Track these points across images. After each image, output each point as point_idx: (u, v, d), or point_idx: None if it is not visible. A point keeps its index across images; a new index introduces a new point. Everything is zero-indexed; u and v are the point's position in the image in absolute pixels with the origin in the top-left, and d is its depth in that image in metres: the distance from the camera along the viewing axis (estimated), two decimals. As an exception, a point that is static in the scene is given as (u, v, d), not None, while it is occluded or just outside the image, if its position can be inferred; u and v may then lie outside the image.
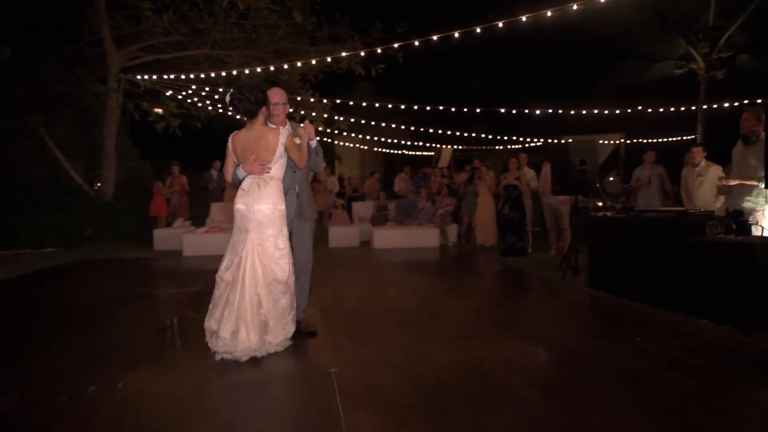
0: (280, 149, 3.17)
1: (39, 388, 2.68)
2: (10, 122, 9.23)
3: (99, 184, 10.17)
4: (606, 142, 15.46)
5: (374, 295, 5.11)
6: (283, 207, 3.22)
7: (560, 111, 13.22)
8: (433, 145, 17.87)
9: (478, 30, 7.77)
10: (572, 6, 7.07)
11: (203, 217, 10.09)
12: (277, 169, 3.21)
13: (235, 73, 10.65)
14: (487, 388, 2.58)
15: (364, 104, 13.30)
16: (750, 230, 4.21)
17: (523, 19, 7.38)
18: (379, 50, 9.37)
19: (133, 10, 9.86)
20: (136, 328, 3.90)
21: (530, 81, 20.91)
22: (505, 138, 16.03)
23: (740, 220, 4.21)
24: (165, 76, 10.01)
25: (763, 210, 4.29)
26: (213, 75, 10.53)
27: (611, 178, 11.89)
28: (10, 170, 9.28)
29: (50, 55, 9.20)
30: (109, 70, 9.66)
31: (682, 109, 12.68)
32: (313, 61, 10.18)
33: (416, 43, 8.58)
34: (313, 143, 3.50)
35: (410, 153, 20.64)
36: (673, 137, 17.02)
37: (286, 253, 3.19)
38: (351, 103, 12.04)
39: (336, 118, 13.41)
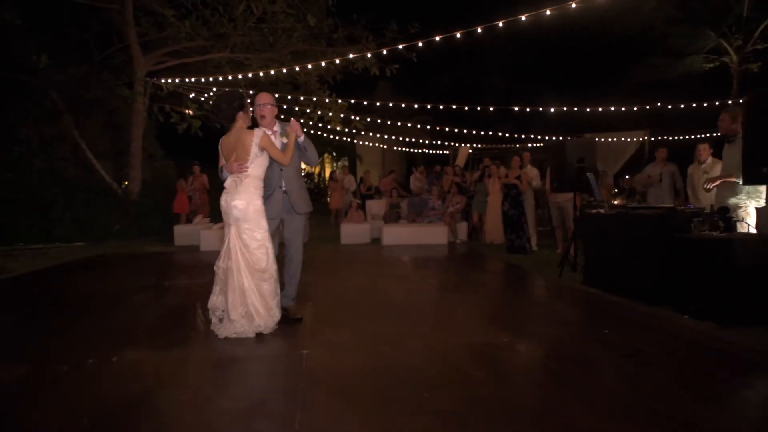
0: (255, 149, 3.43)
1: (47, 359, 3.03)
2: (46, 125, 9.93)
3: (126, 183, 10.78)
4: (629, 139, 15.15)
5: (369, 287, 5.33)
6: (258, 203, 3.48)
7: (580, 109, 13.03)
8: (452, 144, 17.91)
9: (500, 24, 7.64)
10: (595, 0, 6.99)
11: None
12: (254, 168, 3.47)
13: (251, 74, 11.08)
14: (441, 370, 2.75)
15: (378, 104, 13.50)
16: (735, 227, 4.21)
17: (547, 12, 7.24)
18: (384, 52, 9.56)
19: (158, 17, 10.40)
20: (140, 313, 4.26)
21: (552, 78, 20.66)
22: (523, 136, 15.90)
23: (726, 216, 4.23)
24: (187, 80, 10.51)
25: (745, 207, 4.27)
26: (231, 78, 10.97)
27: (627, 176, 11.68)
28: (47, 170, 9.98)
29: (81, 62, 9.83)
30: (135, 74, 10.22)
31: (716, 104, 12.27)
32: (323, 63, 10.43)
33: (436, 39, 8.42)
34: (301, 139, 3.72)
35: (430, 152, 20.74)
36: (700, 134, 16.50)
37: (264, 245, 3.45)
38: (365, 103, 12.27)
39: (352, 117, 13.69)
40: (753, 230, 4.13)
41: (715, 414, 2.19)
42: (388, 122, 15.68)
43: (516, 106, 13.91)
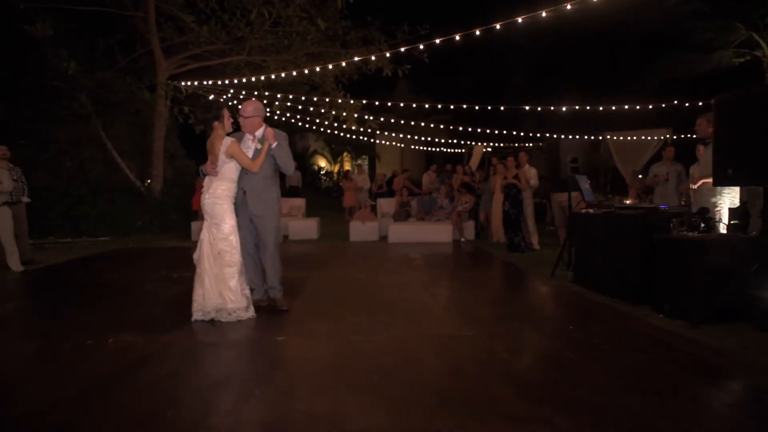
0: (222, 156, 3.75)
1: (54, 339, 3.42)
2: (76, 127, 10.60)
3: (149, 181, 11.38)
4: (650, 137, 14.87)
5: (362, 282, 5.57)
6: (223, 201, 3.83)
7: (600, 107, 12.88)
8: (469, 143, 17.94)
9: (519, 20, 7.51)
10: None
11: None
12: (225, 171, 3.81)
13: (269, 76, 11.48)
14: (397, 359, 2.97)
15: (390, 104, 13.70)
16: (715, 227, 4.24)
17: (568, 6, 7.10)
18: (387, 54, 9.82)
19: (179, 22, 10.92)
20: (144, 301, 4.64)
21: (573, 76, 20.34)
22: (538, 135, 15.81)
23: (706, 217, 4.26)
24: (205, 82, 10.99)
25: (722, 207, 4.31)
26: (249, 80, 11.40)
27: (640, 176, 11.50)
28: (76, 168, 10.66)
29: (108, 67, 10.45)
30: (157, 77, 10.77)
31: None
32: (330, 66, 10.73)
33: (457, 37, 8.34)
34: (273, 145, 3.94)
35: (448, 151, 20.81)
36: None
37: (228, 238, 3.80)
38: (377, 102, 12.48)
39: (366, 117, 13.95)
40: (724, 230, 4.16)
41: (654, 412, 2.32)
42: (405, 122, 15.88)
43: (537, 105, 13.87)
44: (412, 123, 14.88)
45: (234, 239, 3.83)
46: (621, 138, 14.77)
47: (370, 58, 10.98)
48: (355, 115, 13.60)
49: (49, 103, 10.15)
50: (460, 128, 15.50)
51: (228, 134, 3.93)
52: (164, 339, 3.39)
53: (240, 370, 2.86)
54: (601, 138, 14.34)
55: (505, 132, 16.19)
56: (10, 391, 2.58)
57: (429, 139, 19.64)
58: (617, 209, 5.07)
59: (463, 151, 17.46)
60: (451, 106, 14.15)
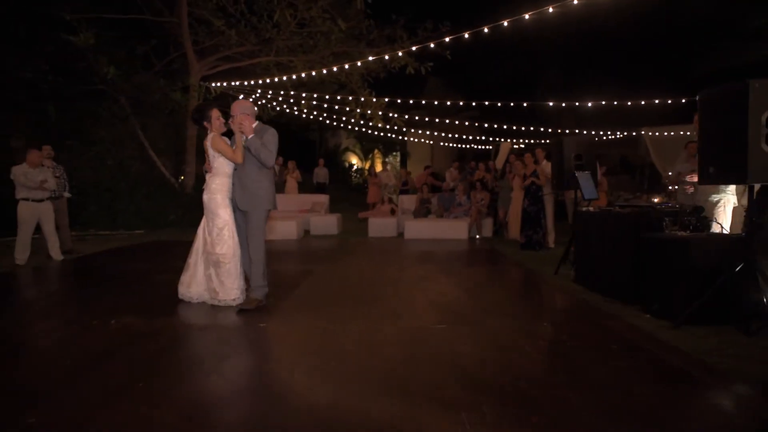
0: (210, 151, 4.02)
1: (67, 319, 3.83)
2: (116, 127, 11.41)
3: (183, 178, 12.06)
4: (688, 133, 14.19)
5: (361, 276, 5.77)
6: (218, 197, 4.09)
7: (634, 102, 12.44)
8: (498, 139, 17.72)
9: (551, 9, 7.26)
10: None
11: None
12: (217, 166, 4.07)
13: (296, 76, 11.86)
14: (361, 347, 3.15)
15: (412, 101, 13.78)
16: (709, 227, 4.13)
17: None
18: (400, 53, 9.83)
19: (210, 26, 11.49)
20: (154, 288, 5.04)
21: (610, 70, 19.56)
22: (567, 131, 15.40)
23: (701, 216, 4.16)
24: (233, 83, 11.51)
25: (723, 205, 4.17)
26: (277, 79, 11.83)
27: (670, 173, 11.01)
28: (117, 166, 11.46)
29: (144, 71, 11.17)
30: (190, 79, 11.39)
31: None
32: (359, 63, 10.94)
33: (486, 30, 8.07)
34: (245, 137, 4.02)
35: (478, 147, 20.61)
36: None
37: (222, 232, 4.07)
38: (398, 100, 12.62)
39: (391, 115, 14.10)
40: (726, 230, 4.04)
41: (585, 405, 2.38)
42: (436, 119, 15.95)
43: (574, 100, 13.54)
44: (441, 120, 14.92)
45: (226, 233, 4.11)
46: (658, 134, 14.17)
47: (391, 54, 11.10)
48: (380, 113, 13.79)
49: (93, 106, 10.98)
50: (486, 125, 15.31)
51: (224, 135, 4.22)
52: (158, 321, 3.72)
53: (216, 348, 3.13)
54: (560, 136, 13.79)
55: (531, 128, 15.89)
56: (18, 358, 2.96)
57: (458, 136, 19.52)
58: (614, 208, 5.01)
59: (491, 147, 17.25)
60: (485, 103, 14.09)
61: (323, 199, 12.55)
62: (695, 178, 4.40)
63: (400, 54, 10.61)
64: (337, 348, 3.12)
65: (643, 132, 14.46)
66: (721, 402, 2.39)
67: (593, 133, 17.61)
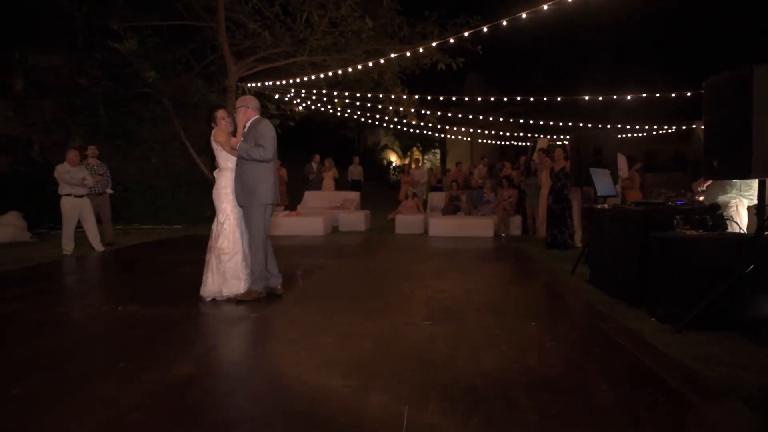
0: (214, 145, 4.17)
1: (82, 304, 4.16)
2: (159, 128, 12.13)
3: (220, 175, 12.61)
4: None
5: (367, 272, 5.83)
6: (222, 191, 4.24)
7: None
8: (539, 135, 17.17)
9: None
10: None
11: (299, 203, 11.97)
12: (221, 160, 4.25)
13: (330, 74, 12.11)
14: (338, 338, 3.21)
15: (453, 98, 13.67)
16: (725, 226, 3.84)
17: None
18: (421, 49, 9.73)
19: (246, 29, 11.95)
20: (172, 279, 5.34)
21: (664, 59, 18.40)
22: (608, 126, 14.67)
23: (717, 214, 3.87)
24: (267, 83, 11.90)
25: (736, 205, 3.85)
26: (306, 78, 12.12)
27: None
28: (160, 164, 12.19)
29: (184, 73, 11.78)
30: (228, 80, 11.90)
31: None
32: (381, 61, 10.98)
33: (523, 15, 7.76)
34: (239, 144, 4.13)
35: (520, 144, 20.07)
36: None
37: (225, 227, 4.23)
38: (429, 97, 12.54)
39: (423, 112, 14.04)
40: (743, 230, 3.73)
41: (536, 406, 2.31)
42: (475, 116, 15.74)
43: (624, 94, 12.89)
44: (480, 117, 14.70)
45: (227, 227, 4.28)
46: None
47: (418, 50, 11.04)
48: (412, 110, 13.76)
49: (139, 108, 11.73)
50: (530, 121, 14.87)
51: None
52: (161, 310, 3.95)
53: (206, 334, 3.30)
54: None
55: (570, 124, 15.26)
56: (24, 337, 3.26)
57: (498, 132, 19.09)
58: (625, 206, 4.75)
59: (528, 144, 16.74)
60: (517, 98, 13.73)
61: (354, 196, 12.70)
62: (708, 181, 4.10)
63: (421, 50, 10.51)
64: (314, 339, 3.19)
65: (694, 126, 13.50)
66: (678, 411, 2.22)
67: (627, 127, 16.64)
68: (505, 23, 8.15)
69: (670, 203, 4.25)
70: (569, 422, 2.07)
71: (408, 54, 10.75)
